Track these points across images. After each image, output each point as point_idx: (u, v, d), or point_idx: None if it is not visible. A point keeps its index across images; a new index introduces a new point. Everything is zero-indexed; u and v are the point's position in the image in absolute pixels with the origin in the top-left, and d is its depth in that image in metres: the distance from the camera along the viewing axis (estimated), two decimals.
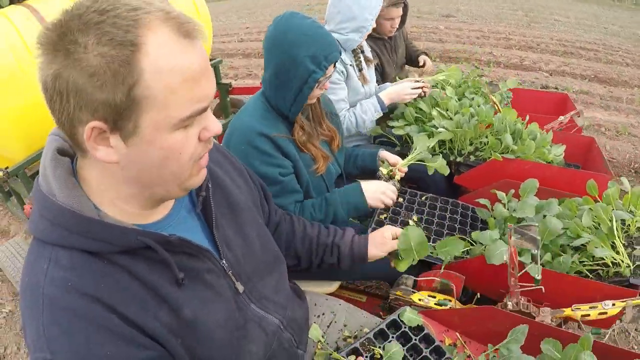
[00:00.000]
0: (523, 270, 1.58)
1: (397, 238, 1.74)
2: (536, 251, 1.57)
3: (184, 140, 0.90)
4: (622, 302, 1.50)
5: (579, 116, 2.91)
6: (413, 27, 10.77)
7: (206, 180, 1.15)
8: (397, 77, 3.40)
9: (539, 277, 1.56)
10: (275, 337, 1.34)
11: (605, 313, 1.51)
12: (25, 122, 2.87)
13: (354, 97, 2.89)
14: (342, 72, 2.76)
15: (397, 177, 2.29)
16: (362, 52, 3.02)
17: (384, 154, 2.39)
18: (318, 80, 1.84)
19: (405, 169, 2.31)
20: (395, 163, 2.31)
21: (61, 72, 0.79)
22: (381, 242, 1.73)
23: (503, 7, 13.72)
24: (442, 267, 1.79)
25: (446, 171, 2.26)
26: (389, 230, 1.77)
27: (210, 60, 5.06)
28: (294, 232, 1.72)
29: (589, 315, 1.53)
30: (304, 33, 1.80)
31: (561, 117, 2.86)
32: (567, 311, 1.56)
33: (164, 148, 0.88)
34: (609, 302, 1.51)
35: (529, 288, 1.58)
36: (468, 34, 10.25)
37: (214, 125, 0.96)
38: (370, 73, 3.07)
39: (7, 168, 2.98)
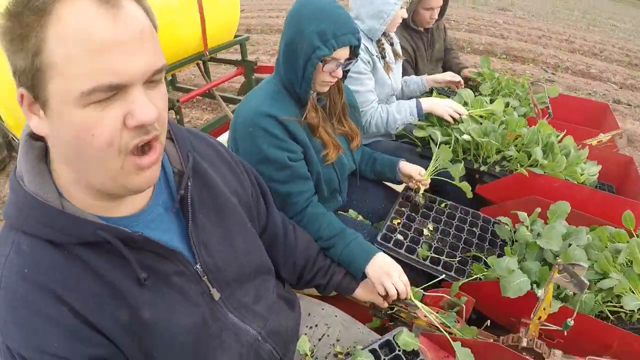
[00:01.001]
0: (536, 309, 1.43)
1: (386, 295, 1.64)
2: (580, 296, 1.42)
3: (96, 120, 0.79)
4: None
5: (620, 137, 2.72)
6: (470, 19, 10.70)
7: (187, 176, 1.10)
8: (430, 74, 3.24)
9: (571, 324, 1.41)
10: (252, 349, 1.27)
11: None
12: None
13: (380, 89, 2.73)
14: (369, 62, 2.60)
15: (421, 190, 2.17)
16: (392, 44, 2.87)
17: (406, 167, 2.23)
18: (323, 59, 1.71)
19: (428, 181, 2.17)
20: (419, 178, 2.15)
21: (1, 40, 0.79)
22: (371, 290, 1.67)
23: (558, 6, 13.48)
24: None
25: (469, 193, 2.13)
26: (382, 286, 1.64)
27: (236, 36, 4.99)
28: (297, 246, 1.63)
29: None
30: (318, 8, 1.68)
31: (602, 135, 2.67)
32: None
33: (73, 124, 0.80)
34: None
35: (553, 328, 1.45)
36: (528, 31, 10.05)
37: (141, 110, 0.82)
38: (397, 67, 2.91)
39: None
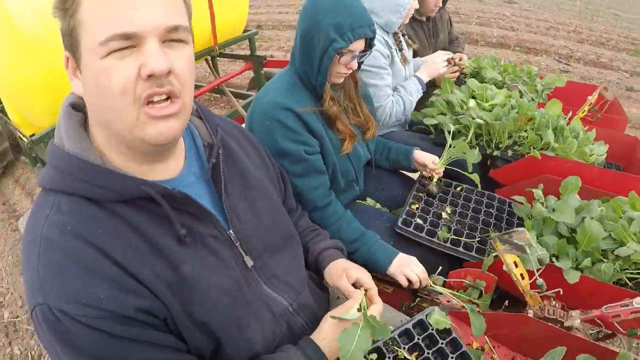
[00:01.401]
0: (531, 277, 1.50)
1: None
2: (529, 256, 1.48)
3: (112, 67, 0.85)
4: None
5: (607, 90, 2.80)
6: (479, 12, 10.67)
7: (217, 146, 1.16)
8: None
9: (539, 282, 1.51)
10: (283, 320, 1.29)
11: (639, 311, 1.40)
12: (50, 89, 2.87)
13: (395, 80, 2.78)
14: (388, 55, 2.64)
15: (435, 178, 2.23)
16: (404, 35, 2.91)
17: (420, 155, 2.29)
18: (339, 52, 1.74)
19: (442, 170, 2.25)
20: (432, 167, 2.23)
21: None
22: (338, 274, 1.52)
23: None
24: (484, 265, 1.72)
25: (479, 184, 2.21)
26: (350, 272, 1.54)
27: (245, 31, 5.02)
28: (297, 225, 1.65)
29: (619, 315, 1.43)
30: (334, 0, 1.71)
31: (589, 97, 2.76)
32: (597, 312, 1.47)
33: (95, 73, 0.87)
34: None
35: (542, 293, 1.53)
36: (536, 23, 10.08)
37: (153, 60, 0.86)
38: (409, 54, 2.97)
39: (32, 135, 3.04)
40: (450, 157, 2.23)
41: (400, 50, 2.80)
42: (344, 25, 1.70)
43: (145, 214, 0.98)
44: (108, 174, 0.93)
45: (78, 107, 1.02)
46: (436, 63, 2.87)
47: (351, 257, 1.81)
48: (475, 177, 2.15)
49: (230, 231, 1.16)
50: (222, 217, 1.16)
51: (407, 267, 1.78)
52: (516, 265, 1.52)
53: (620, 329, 1.47)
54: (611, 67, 7.65)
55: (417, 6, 2.74)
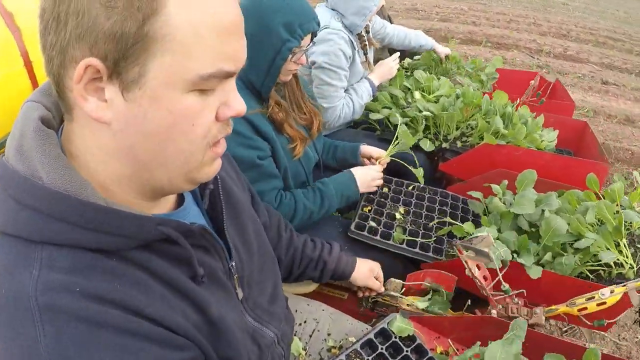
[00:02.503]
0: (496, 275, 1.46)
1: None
2: (493, 262, 1.45)
3: (199, 108, 0.72)
4: (622, 286, 1.40)
5: (548, 73, 2.86)
6: (436, 7, 10.60)
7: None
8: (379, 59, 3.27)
9: (505, 288, 1.49)
10: (269, 353, 1.18)
11: (605, 303, 1.40)
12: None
13: (352, 79, 2.73)
14: (350, 57, 2.58)
15: (380, 169, 2.18)
16: (368, 32, 2.86)
17: (366, 148, 2.26)
18: (292, 51, 1.71)
19: (387, 160, 2.21)
20: (379, 156, 2.20)
21: None
22: (367, 275, 1.66)
23: None
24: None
25: (421, 179, 2.20)
26: (377, 268, 1.73)
27: None
28: (280, 237, 1.57)
29: (586, 308, 1.42)
30: (280, 0, 1.68)
31: (531, 82, 2.83)
32: (562, 308, 1.46)
33: (173, 112, 0.70)
34: (606, 290, 1.40)
35: (502, 296, 1.51)
36: (496, 17, 10.10)
37: (238, 102, 0.76)
38: (370, 56, 2.93)
39: None
40: (396, 146, 2.18)
41: (365, 54, 2.77)
42: (294, 24, 1.67)
43: (160, 255, 0.81)
44: (118, 218, 0.73)
45: (48, 123, 0.77)
46: (390, 67, 2.82)
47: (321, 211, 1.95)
48: (418, 172, 2.14)
49: (232, 262, 1.04)
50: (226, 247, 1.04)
51: (372, 181, 2.02)
52: (479, 268, 1.48)
53: (586, 321, 1.45)
54: (580, 59, 7.73)
55: (384, 2, 2.71)
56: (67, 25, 0.64)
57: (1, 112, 2.35)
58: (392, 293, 1.68)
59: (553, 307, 1.48)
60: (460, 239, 1.62)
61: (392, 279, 1.72)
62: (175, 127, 0.71)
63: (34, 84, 2.42)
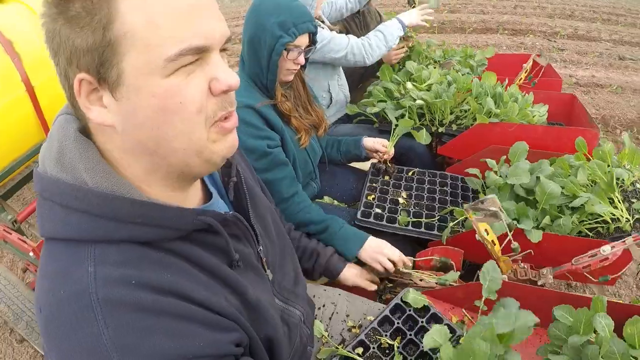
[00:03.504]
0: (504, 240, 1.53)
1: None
2: (502, 222, 1.51)
3: (182, 86, 0.75)
4: (622, 242, 1.46)
5: (539, 56, 2.91)
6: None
7: (235, 163, 1.07)
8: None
9: (514, 246, 1.55)
10: (297, 332, 1.25)
11: (607, 259, 1.47)
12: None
13: (312, 82, 2.78)
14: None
15: (386, 158, 2.28)
16: (323, 22, 2.91)
17: (369, 141, 2.33)
18: (286, 47, 1.81)
19: (392, 151, 2.29)
20: (384, 150, 2.28)
21: (52, 26, 0.73)
22: (357, 274, 1.69)
23: None
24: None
25: (422, 139, 2.29)
26: (370, 274, 1.77)
27: None
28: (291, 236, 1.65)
29: (589, 265, 1.49)
30: (275, 2, 1.80)
31: (524, 65, 2.88)
32: (567, 267, 1.53)
33: (157, 95, 0.74)
34: (607, 247, 1.46)
35: (513, 257, 1.57)
36: (500, 3, 10.09)
37: (227, 75, 0.79)
38: None
39: None
40: (397, 136, 2.27)
41: None
42: (288, 22, 1.78)
43: (198, 245, 0.88)
44: (160, 210, 0.80)
45: (84, 131, 0.84)
46: (413, 12, 2.88)
47: (320, 236, 1.86)
48: (422, 135, 2.29)
49: (260, 247, 1.11)
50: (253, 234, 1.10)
51: (379, 254, 1.79)
52: (487, 233, 1.54)
53: (592, 278, 1.52)
54: (592, 38, 7.70)
55: None
56: (58, 55, 0.74)
57: (6, 139, 2.44)
58: (404, 270, 1.74)
59: (558, 267, 1.55)
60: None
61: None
62: (165, 109, 0.75)
63: (37, 108, 2.49)
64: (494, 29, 8.35)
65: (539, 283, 1.54)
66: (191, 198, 0.97)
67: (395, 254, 1.78)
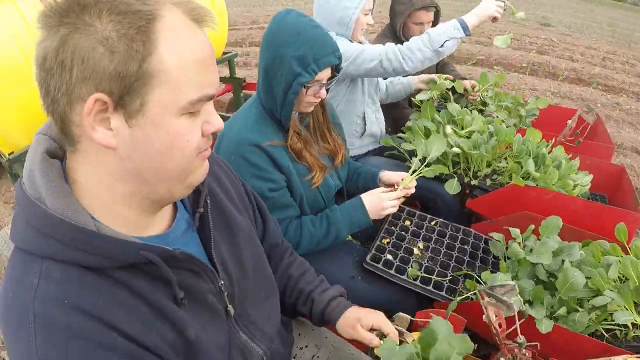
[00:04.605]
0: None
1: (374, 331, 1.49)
2: (513, 314, 1.38)
3: (190, 128, 0.85)
4: (637, 357, 1.32)
5: (587, 113, 2.72)
6: (524, 36, 10.16)
7: (204, 194, 1.11)
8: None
9: (520, 340, 1.37)
10: None
11: None
12: (28, 110, 2.96)
13: (350, 96, 2.67)
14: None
15: (404, 194, 2.04)
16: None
17: (386, 175, 2.18)
18: (305, 85, 1.68)
19: (413, 185, 2.05)
20: (398, 182, 2.06)
21: (67, 39, 0.74)
22: (352, 325, 1.47)
23: (584, 18, 12.85)
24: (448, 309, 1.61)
25: (451, 189, 2.13)
26: (365, 321, 1.49)
27: (224, 53, 5.18)
28: (282, 259, 1.57)
29: None
30: (295, 30, 1.64)
31: (569, 121, 2.69)
32: None
33: (170, 133, 0.83)
34: (619, 358, 1.32)
35: (513, 345, 1.41)
36: (588, 52, 9.60)
37: (217, 120, 0.91)
38: None
39: (11, 154, 3.14)
40: (420, 170, 2.07)
41: None
42: (308, 57, 1.63)
43: (144, 276, 0.91)
44: (104, 242, 0.83)
45: (53, 154, 0.90)
46: (490, 4, 2.42)
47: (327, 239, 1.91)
48: (452, 184, 2.15)
49: (221, 282, 1.12)
50: (213, 268, 1.11)
51: (383, 210, 1.95)
52: (496, 315, 1.42)
53: None
54: None
55: (371, 21, 2.57)
56: (72, 70, 0.74)
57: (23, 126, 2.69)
58: (399, 328, 1.63)
59: None
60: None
61: (400, 314, 1.67)
62: (173, 146, 0.84)
63: None
64: (586, 81, 7.81)
65: None
66: (158, 221, 1.02)
67: (392, 198, 1.95)
